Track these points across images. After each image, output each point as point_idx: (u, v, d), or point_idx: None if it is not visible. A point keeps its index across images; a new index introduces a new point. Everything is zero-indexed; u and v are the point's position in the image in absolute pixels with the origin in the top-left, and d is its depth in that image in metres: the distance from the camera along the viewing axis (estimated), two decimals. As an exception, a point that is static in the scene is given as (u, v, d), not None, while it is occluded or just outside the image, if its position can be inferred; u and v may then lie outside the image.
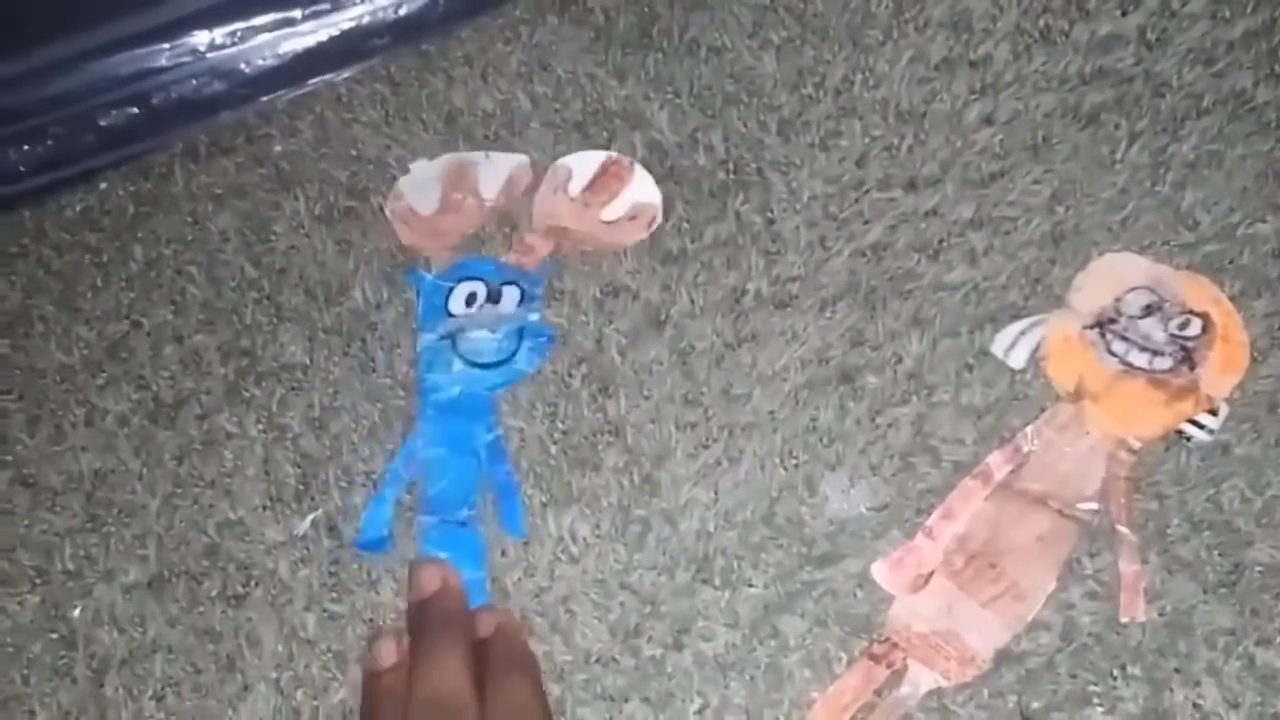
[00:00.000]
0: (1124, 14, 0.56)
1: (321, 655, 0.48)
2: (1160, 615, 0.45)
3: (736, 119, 0.57)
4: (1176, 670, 0.44)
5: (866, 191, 0.54)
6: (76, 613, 0.50)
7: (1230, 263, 0.50)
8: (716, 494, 0.49)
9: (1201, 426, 0.47)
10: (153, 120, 0.58)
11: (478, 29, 0.61)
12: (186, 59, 0.57)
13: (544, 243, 0.55)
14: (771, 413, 0.50)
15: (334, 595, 0.49)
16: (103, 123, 0.57)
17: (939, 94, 0.55)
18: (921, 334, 0.51)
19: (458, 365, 0.52)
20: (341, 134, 0.59)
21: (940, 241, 0.52)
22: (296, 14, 0.57)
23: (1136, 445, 0.47)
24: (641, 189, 0.56)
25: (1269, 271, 0.50)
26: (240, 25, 0.57)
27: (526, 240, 0.55)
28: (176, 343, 0.55)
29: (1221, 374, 0.47)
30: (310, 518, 0.50)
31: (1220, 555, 0.46)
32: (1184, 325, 0.47)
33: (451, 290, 0.54)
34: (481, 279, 0.54)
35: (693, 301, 0.53)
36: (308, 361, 0.54)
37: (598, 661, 0.47)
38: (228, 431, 0.53)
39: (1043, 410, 0.48)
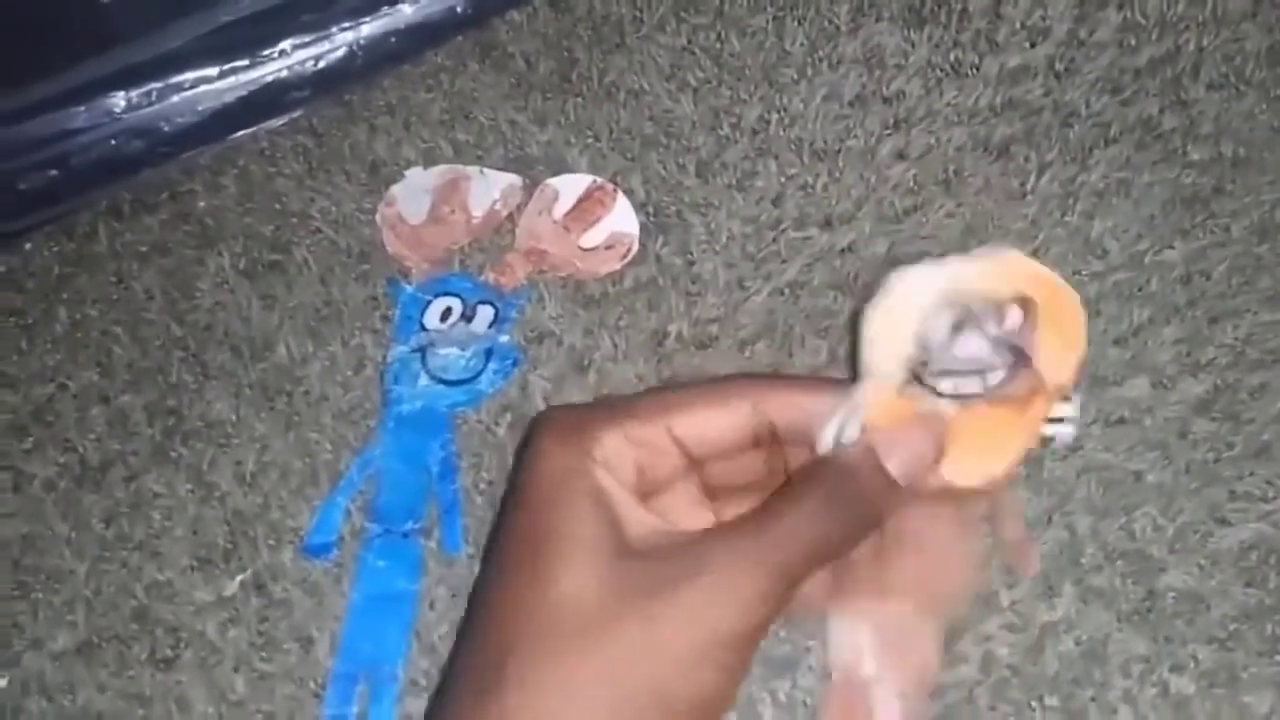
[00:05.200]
0: (1032, 45, 0.57)
1: (251, 716, 0.48)
2: (1076, 645, 0.46)
3: (656, 161, 0.57)
4: (1093, 699, 0.45)
5: (783, 230, 0.55)
6: (4, 683, 0.50)
7: (1139, 290, 0.51)
8: (641, 539, 0.49)
9: (1060, 420, 0.39)
10: (73, 181, 0.58)
11: (399, 78, 0.61)
12: (104, 120, 0.57)
13: (523, 264, 0.55)
14: (694, 455, 0.51)
15: (264, 655, 0.49)
16: (22, 185, 0.57)
17: (853, 131, 0.56)
18: (840, 372, 0.51)
19: (423, 380, 0.53)
20: (265, 187, 0.59)
21: (855, 278, 0.53)
22: (213, 71, 0.57)
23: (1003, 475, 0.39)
24: (621, 217, 0.56)
25: (1177, 298, 0.51)
26: (156, 85, 0.57)
27: (507, 260, 0.56)
28: (103, 404, 0.55)
29: (1060, 352, 0.38)
30: (239, 578, 0.50)
31: (1134, 583, 0.46)
32: (1003, 321, 0.38)
33: (428, 304, 0.55)
34: (458, 295, 0.55)
35: (615, 346, 0.53)
36: (234, 419, 0.54)
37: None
38: (155, 492, 0.53)
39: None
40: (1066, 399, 0.38)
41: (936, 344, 0.37)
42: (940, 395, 0.37)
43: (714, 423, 0.34)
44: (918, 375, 0.37)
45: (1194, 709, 0.44)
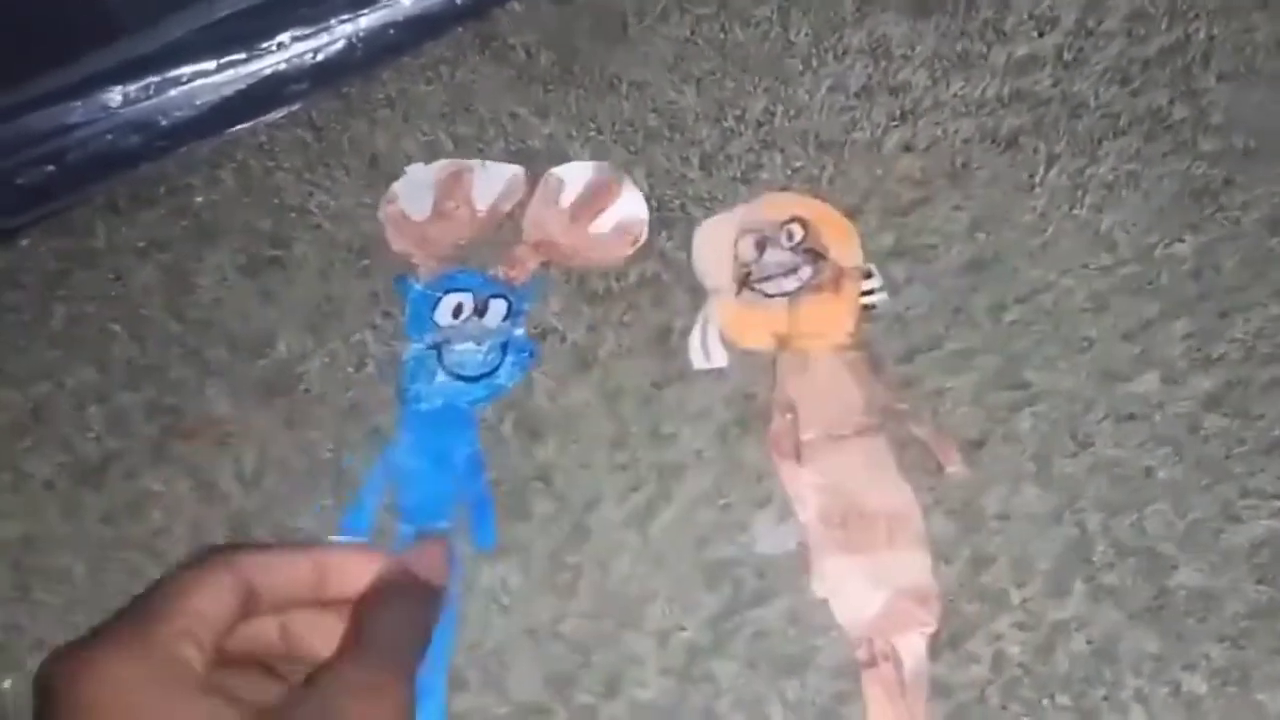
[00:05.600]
0: (1041, 35, 0.56)
1: None
2: (1088, 644, 0.45)
3: (659, 154, 0.57)
4: (1105, 698, 0.44)
5: (789, 224, 0.54)
6: (7, 685, 0.49)
7: (1149, 284, 0.51)
8: (647, 537, 0.49)
9: (872, 292, 0.51)
10: (70, 176, 0.57)
11: (398, 70, 0.61)
12: (100, 115, 0.56)
13: (533, 256, 0.55)
14: (700, 452, 0.50)
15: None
16: (20, 181, 0.57)
17: (859, 122, 0.56)
18: (847, 367, 0.51)
19: (441, 377, 0.53)
20: (263, 182, 0.59)
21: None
22: (211, 65, 0.57)
23: (849, 339, 0.50)
24: (629, 204, 0.55)
25: (1187, 292, 0.50)
26: (153, 79, 0.56)
27: (516, 252, 0.55)
28: (101, 402, 0.55)
29: (843, 246, 0.52)
30: (240, 578, 0.50)
31: (1145, 581, 0.46)
32: (791, 236, 0.52)
33: (439, 300, 0.54)
34: (469, 290, 0.54)
35: (620, 342, 0.53)
36: (234, 416, 0.53)
37: (532, 713, 0.46)
38: (155, 491, 0.52)
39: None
40: (869, 275, 0.51)
41: (751, 260, 0.52)
42: (769, 296, 0.52)
43: (213, 603, 0.28)
44: (747, 284, 0.52)
45: (1206, 708, 0.44)
